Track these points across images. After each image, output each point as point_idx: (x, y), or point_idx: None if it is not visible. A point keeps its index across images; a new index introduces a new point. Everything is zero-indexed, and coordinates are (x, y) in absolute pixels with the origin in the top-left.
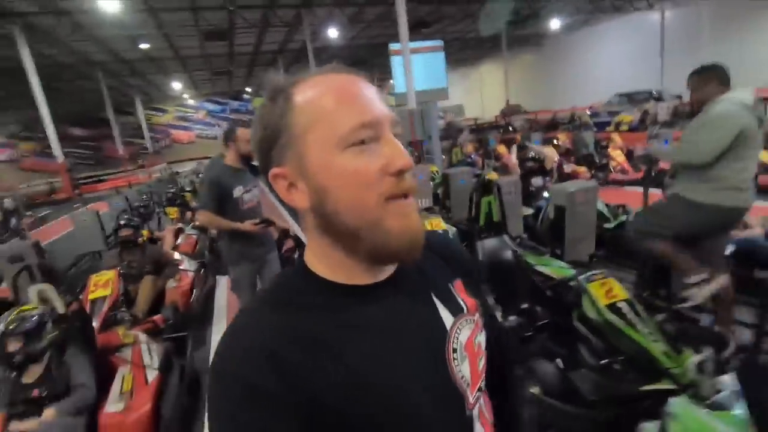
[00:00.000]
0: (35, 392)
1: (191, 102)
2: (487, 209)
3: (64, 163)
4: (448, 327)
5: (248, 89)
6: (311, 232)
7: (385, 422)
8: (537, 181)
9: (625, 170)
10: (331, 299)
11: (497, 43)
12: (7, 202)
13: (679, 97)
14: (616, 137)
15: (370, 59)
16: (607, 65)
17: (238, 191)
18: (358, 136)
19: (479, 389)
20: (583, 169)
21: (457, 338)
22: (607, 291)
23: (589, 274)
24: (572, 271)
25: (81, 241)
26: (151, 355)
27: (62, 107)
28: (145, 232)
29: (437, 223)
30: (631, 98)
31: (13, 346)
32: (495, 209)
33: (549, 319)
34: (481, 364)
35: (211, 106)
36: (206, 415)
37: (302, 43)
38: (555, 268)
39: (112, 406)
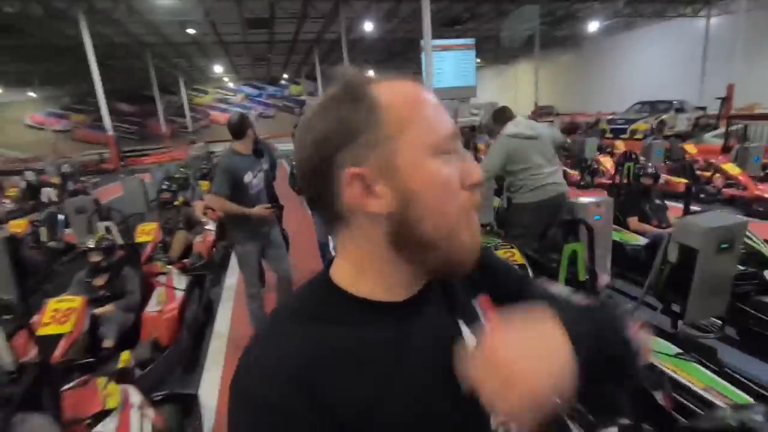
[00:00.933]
0: (102, 292)
1: (231, 85)
2: None
3: (113, 136)
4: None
5: (285, 75)
6: (366, 244)
7: None
8: None
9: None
10: (359, 316)
11: (533, 42)
12: (65, 167)
13: (703, 108)
14: (620, 145)
15: (404, 53)
16: (646, 71)
17: (248, 177)
18: (449, 145)
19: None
20: (574, 172)
21: None
22: None
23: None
24: (694, 366)
25: (128, 204)
26: (180, 281)
27: (112, 83)
28: (180, 199)
29: (513, 256)
30: (653, 107)
31: (94, 257)
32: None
33: None
34: None
35: (249, 90)
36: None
37: (338, 34)
38: (668, 358)
39: (151, 308)
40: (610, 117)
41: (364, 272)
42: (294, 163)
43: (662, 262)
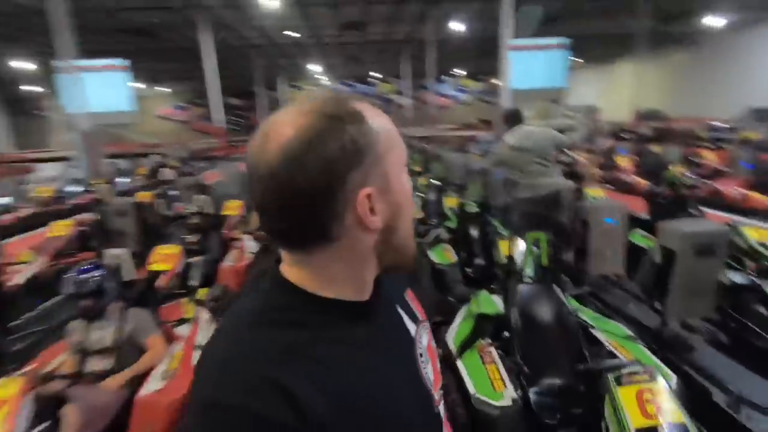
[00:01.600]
0: (194, 247)
1: (326, 82)
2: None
3: (223, 128)
4: (413, 335)
5: (374, 74)
6: (346, 256)
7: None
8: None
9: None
10: (329, 317)
11: (639, 41)
12: (183, 153)
13: None
14: (709, 155)
15: (495, 52)
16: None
17: None
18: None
19: (440, 387)
20: (643, 181)
21: (421, 344)
22: (643, 403)
23: (625, 368)
24: (638, 347)
25: (226, 186)
26: (251, 247)
27: (225, 81)
28: None
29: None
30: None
31: (191, 221)
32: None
33: (582, 409)
34: (438, 364)
35: (341, 88)
36: None
37: (427, 34)
38: (616, 337)
39: (226, 262)
40: (716, 124)
41: (335, 279)
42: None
43: (650, 263)
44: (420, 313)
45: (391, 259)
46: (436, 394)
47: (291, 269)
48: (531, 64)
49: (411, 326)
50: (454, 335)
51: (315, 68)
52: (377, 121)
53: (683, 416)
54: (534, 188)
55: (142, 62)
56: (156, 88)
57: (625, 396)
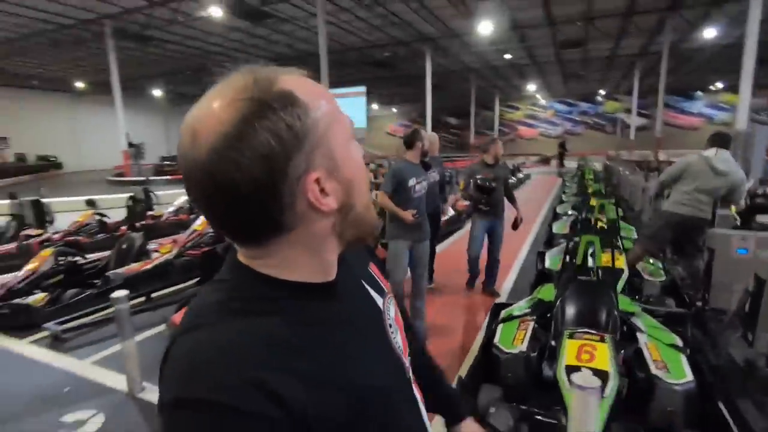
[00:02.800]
0: None
1: (542, 102)
2: None
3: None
4: (381, 307)
5: (601, 92)
6: (307, 242)
7: (369, 407)
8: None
9: None
10: (297, 301)
11: None
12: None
13: None
14: None
15: None
16: None
17: (412, 181)
18: (353, 131)
19: (408, 354)
20: None
21: (389, 314)
22: (580, 352)
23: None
24: (676, 356)
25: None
26: None
27: (444, 101)
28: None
29: None
30: None
31: None
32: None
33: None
34: (404, 333)
35: (559, 107)
36: None
37: (666, 45)
38: (658, 342)
39: None
40: None
41: (297, 264)
42: (196, 183)
43: (745, 291)
44: (384, 284)
45: (353, 235)
46: (406, 360)
47: (250, 259)
48: None
49: (378, 298)
50: (512, 310)
51: (531, 87)
52: (312, 97)
53: (611, 367)
54: (683, 207)
55: (380, 88)
56: (393, 109)
57: (570, 345)
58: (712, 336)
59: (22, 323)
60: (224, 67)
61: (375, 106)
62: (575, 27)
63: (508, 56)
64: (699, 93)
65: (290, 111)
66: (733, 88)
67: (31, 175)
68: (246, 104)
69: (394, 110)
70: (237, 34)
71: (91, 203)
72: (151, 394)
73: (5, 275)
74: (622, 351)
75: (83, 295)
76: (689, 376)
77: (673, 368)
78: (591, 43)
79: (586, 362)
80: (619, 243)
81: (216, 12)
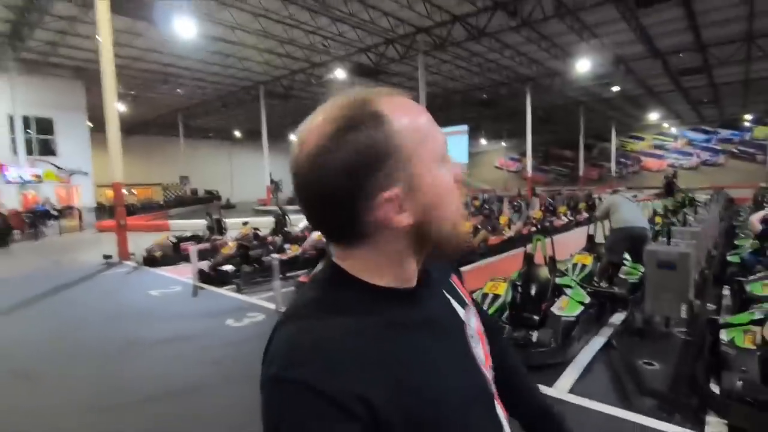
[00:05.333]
0: None
1: (672, 130)
2: None
3: (544, 177)
4: (462, 318)
5: (747, 116)
6: (383, 251)
7: (445, 413)
8: None
9: None
10: (384, 303)
11: None
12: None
13: None
14: None
15: None
16: None
17: None
18: (446, 152)
19: (491, 368)
20: None
21: (470, 326)
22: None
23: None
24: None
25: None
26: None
27: (554, 135)
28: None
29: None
30: None
31: None
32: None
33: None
34: (487, 346)
35: (693, 135)
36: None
37: None
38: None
39: None
40: None
41: (381, 269)
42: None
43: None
44: (466, 296)
45: (436, 251)
46: (488, 372)
47: (343, 260)
48: None
49: (459, 309)
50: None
51: (654, 116)
52: (403, 120)
53: (503, 292)
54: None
55: (487, 124)
56: (502, 143)
57: (490, 285)
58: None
59: (222, 281)
60: None
61: (483, 141)
62: (690, 55)
63: (615, 88)
64: None
65: (375, 132)
66: None
67: (202, 204)
68: (340, 121)
69: (504, 144)
70: (357, 88)
71: (245, 223)
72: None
73: (204, 261)
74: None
75: (251, 269)
76: (572, 315)
77: (567, 311)
78: (715, 69)
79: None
80: None
81: (341, 74)
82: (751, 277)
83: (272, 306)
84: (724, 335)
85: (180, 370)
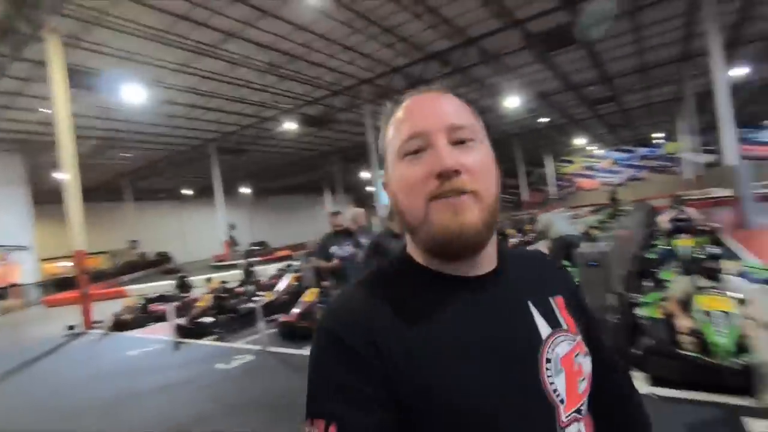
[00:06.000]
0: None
1: (599, 152)
2: None
3: None
4: (543, 336)
5: (656, 135)
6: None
7: (459, 402)
8: None
9: None
10: (424, 283)
11: None
12: None
13: None
14: None
15: None
16: None
17: (333, 248)
18: (409, 147)
19: (577, 411)
20: None
21: (553, 350)
22: None
23: None
24: None
25: None
26: None
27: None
28: None
29: None
30: None
31: None
32: None
33: None
34: (582, 386)
35: (617, 155)
36: None
37: (701, 87)
38: None
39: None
40: None
41: (419, 251)
42: None
43: None
44: (567, 323)
45: (417, 240)
46: (565, 414)
47: (408, 245)
48: None
49: (543, 328)
50: None
51: (580, 141)
52: (395, 122)
53: None
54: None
55: None
56: None
57: None
58: None
59: (201, 333)
60: (294, 166)
61: None
62: (599, 87)
63: (543, 119)
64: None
65: (383, 133)
66: None
67: (154, 267)
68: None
69: None
70: (307, 137)
71: (208, 279)
72: (274, 350)
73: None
74: None
75: (228, 317)
76: None
77: None
78: (622, 96)
79: None
80: None
81: (290, 126)
82: (662, 267)
83: (259, 347)
84: (642, 312)
85: (181, 411)
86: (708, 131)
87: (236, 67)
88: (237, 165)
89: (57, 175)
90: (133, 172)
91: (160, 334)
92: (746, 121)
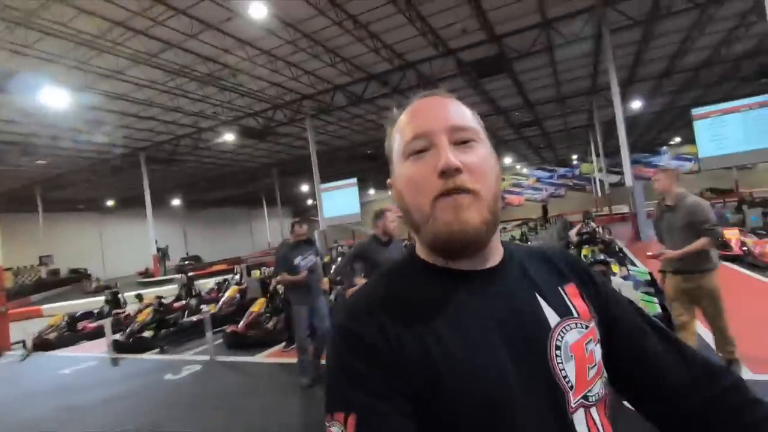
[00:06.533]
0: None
1: (525, 171)
2: None
3: None
4: (552, 325)
5: (574, 156)
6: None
7: (471, 392)
8: None
9: None
10: (432, 278)
11: None
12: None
13: None
14: None
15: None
16: None
17: (297, 259)
18: (413, 147)
19: (585, 397)
20: None
21: (562, 337)
22: None
23: None
24: None
25: None
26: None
27: None
28: None
29: None
30: None
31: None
32: None
33: None
34: (592, 372)
35: (540, 173)
36: None
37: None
38: None
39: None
40: None
41: (426, 249)
42: None
43: None
44: (579, 310)
45: (422, 237)
46: (574, 399)
47: (417, 244)
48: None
49: (552, 316)
50: None
51: (507, 160)
52: (400, 123)
53: None
54: None
55: (373, 177)
56: (389, 192)
57: None
58: None
59: (142, 348)
60: (230, 178)
61: (372, 192)
62: (524, 111)
63: None
64: (664, 148)
65: (388, 137)
66: (689, 140)
67: (65, 286)
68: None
69: (390, 193)
70: (246, 149)
71: (139, 296)
72: (222, 359)
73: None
74: None
75: (169, 331)
76: None
77: None
78: (544, 122)
79: None
80: None
81: (229, 137)
82: None
83: (206, 357)
84: None
85: (138, 417)
86: (615, 155)
87: (174, 77)
88: (168, 175)
89: None
90: (47, 181)
91: (94, 351)
92: (646, 147)
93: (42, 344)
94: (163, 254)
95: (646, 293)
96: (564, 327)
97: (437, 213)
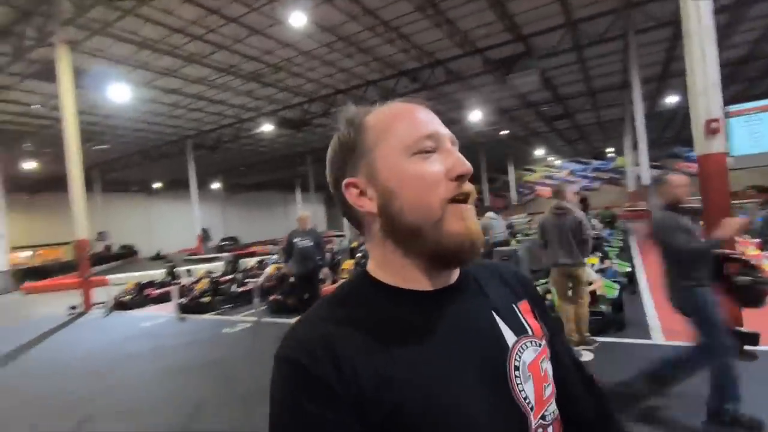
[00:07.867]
0: None
1: (558, 162)
2: None
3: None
4: (510, 344)
5: (609, 149)
6: (375, 239)
7: (437, 421)
8: None
9: None
10: (386, 300)
11: None
12: None
13: None
14: None
15: None
16: None
17: (297, 240)
18: (422, 146)
19: (543, 417)
20: None
21: (520, 357)
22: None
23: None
24: None
25: None
26: None
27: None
28: None
29: None
30: None
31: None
32: None
33: None
34: (548, 390)
35: (574, 166)
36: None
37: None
38: None
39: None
40: None
41: (380, 264)
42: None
43: None
44: (533, 328)
45: (418, 245)
46: (535, 420)
47: (369, 263)
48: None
49: (509, 336)
50: None
51: (540, 152)
52: (371, 121)
53: None
54: None
55: None
56: None
57: None
58: None
59: (200, 311)
60: (267, 164)
61: None
62: (554, 106)
63: (505, 132)
64: None
65: (349, 130)
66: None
67: (118, 261)
68: (338, 130)
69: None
70: (283, 138)
71: (188, 271)
72: (267, 320)
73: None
74: None
75: (222, 299)
76: None
77: None
78: (575, 115)
79: None
80: None
81: (268, 127)
82: None
83: (255, 318)
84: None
85: (208, 356)
86: (652, 148)
87: (222, 74)
88: (211, 160)
89: (27, 166)
90: (105, 163)
91: (162, 311)
92: (686, 141)
93: (119, 305)
94: (206, 235)
95: (614, 281)
96: (521, 346)
97: (447, 217)
